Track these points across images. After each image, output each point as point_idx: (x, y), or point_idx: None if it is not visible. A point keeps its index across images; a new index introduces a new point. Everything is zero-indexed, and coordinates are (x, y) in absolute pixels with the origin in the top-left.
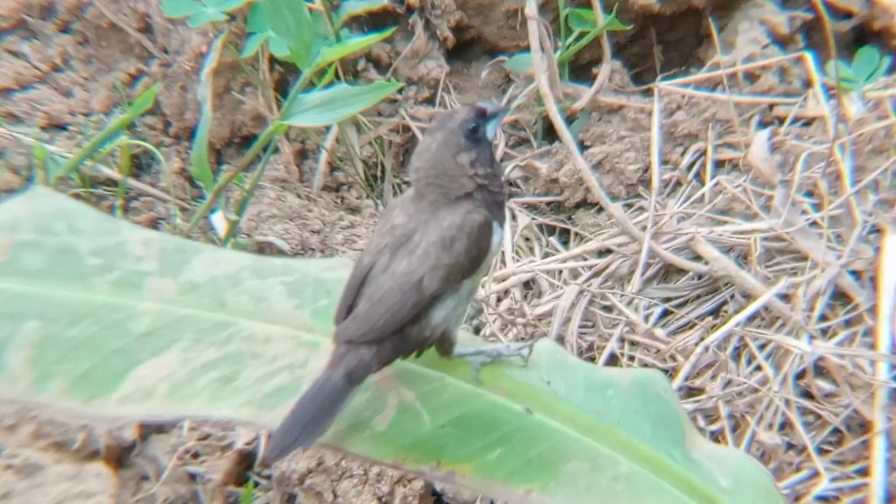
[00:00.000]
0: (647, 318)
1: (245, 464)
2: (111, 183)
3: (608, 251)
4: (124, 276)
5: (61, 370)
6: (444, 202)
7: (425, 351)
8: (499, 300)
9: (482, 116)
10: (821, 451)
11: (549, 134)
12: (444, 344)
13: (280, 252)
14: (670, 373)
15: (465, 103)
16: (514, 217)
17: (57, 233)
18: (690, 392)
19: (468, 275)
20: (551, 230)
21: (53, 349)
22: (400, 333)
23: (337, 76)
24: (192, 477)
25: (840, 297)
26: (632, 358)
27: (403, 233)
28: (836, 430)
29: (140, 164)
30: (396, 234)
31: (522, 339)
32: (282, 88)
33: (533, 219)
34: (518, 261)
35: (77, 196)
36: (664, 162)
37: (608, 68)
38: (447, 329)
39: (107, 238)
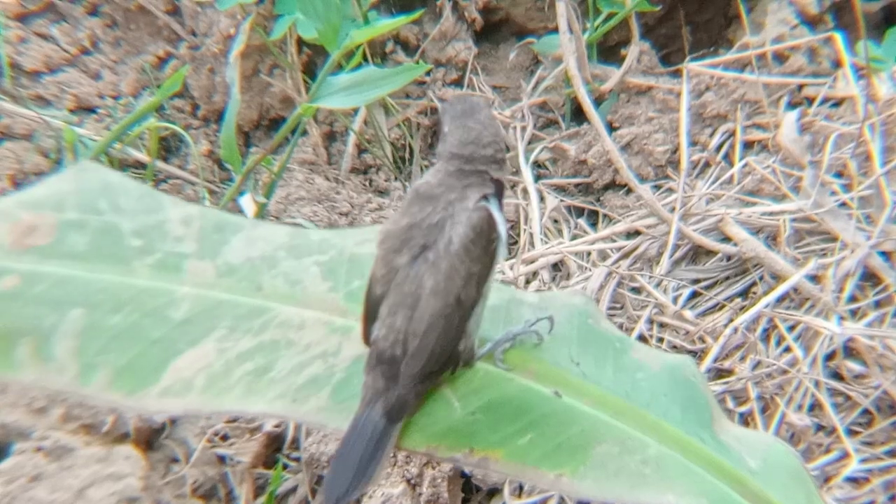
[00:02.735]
0: (675, 299)
1: (274, 446)
2: (140, 166)
3: (637, 233)
4: (164, 258)
5: (104, 361)
6: (464, 189)
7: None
8: (527, 282)
9: None
10: (850, 433)
11: (578, 115)
12: (466, 354)
13: None
14: (699, 354)
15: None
16: (542, 199)
17: (100, 211)
18: (719, 374)
19: (490, 273)
20: (580, 212)
21: (96, 338)
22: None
23: (365, 58)
24: (222, 459)
25: (870, 277)
26: (661, 340)
27: (428, 226)
28: (866, 412)
29: (169, 147)
30: (413, 242)
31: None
32: (310, 71)
33: (561, 200)
34: (546, 242)
35: None
36: (693, 143)
37: (637, 49)
38: (473, 337)
39: (148, 216)
